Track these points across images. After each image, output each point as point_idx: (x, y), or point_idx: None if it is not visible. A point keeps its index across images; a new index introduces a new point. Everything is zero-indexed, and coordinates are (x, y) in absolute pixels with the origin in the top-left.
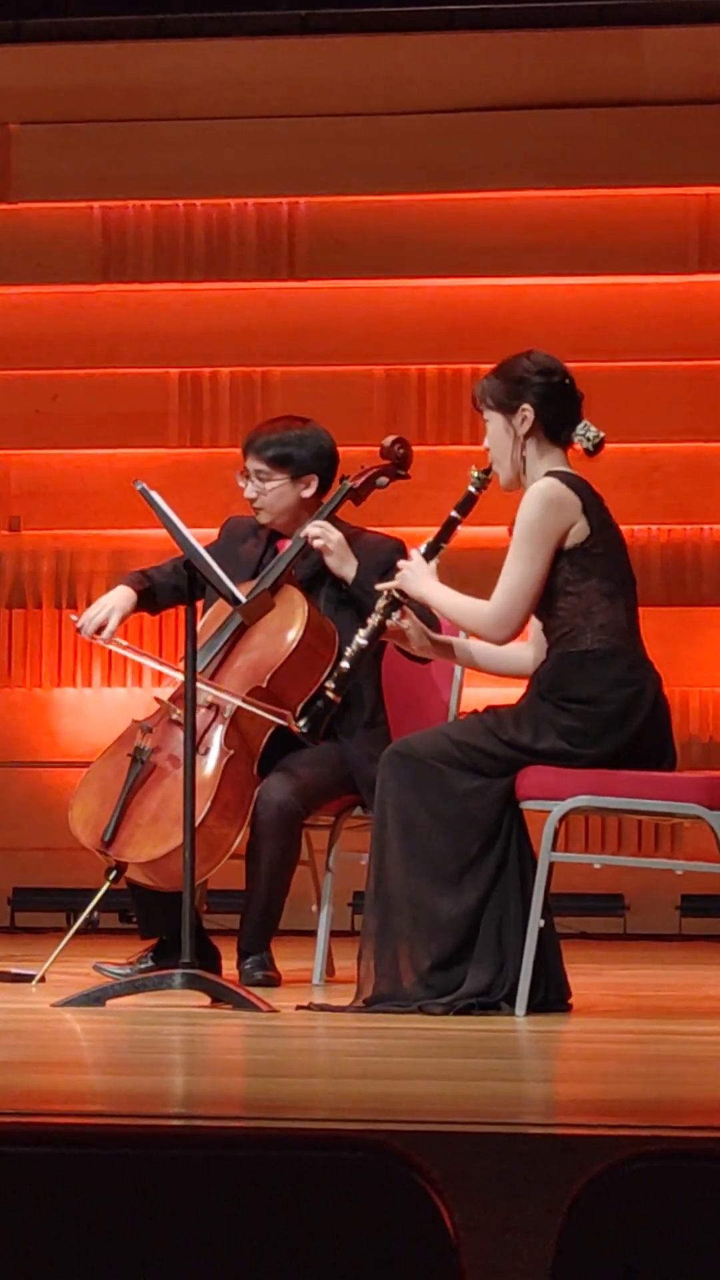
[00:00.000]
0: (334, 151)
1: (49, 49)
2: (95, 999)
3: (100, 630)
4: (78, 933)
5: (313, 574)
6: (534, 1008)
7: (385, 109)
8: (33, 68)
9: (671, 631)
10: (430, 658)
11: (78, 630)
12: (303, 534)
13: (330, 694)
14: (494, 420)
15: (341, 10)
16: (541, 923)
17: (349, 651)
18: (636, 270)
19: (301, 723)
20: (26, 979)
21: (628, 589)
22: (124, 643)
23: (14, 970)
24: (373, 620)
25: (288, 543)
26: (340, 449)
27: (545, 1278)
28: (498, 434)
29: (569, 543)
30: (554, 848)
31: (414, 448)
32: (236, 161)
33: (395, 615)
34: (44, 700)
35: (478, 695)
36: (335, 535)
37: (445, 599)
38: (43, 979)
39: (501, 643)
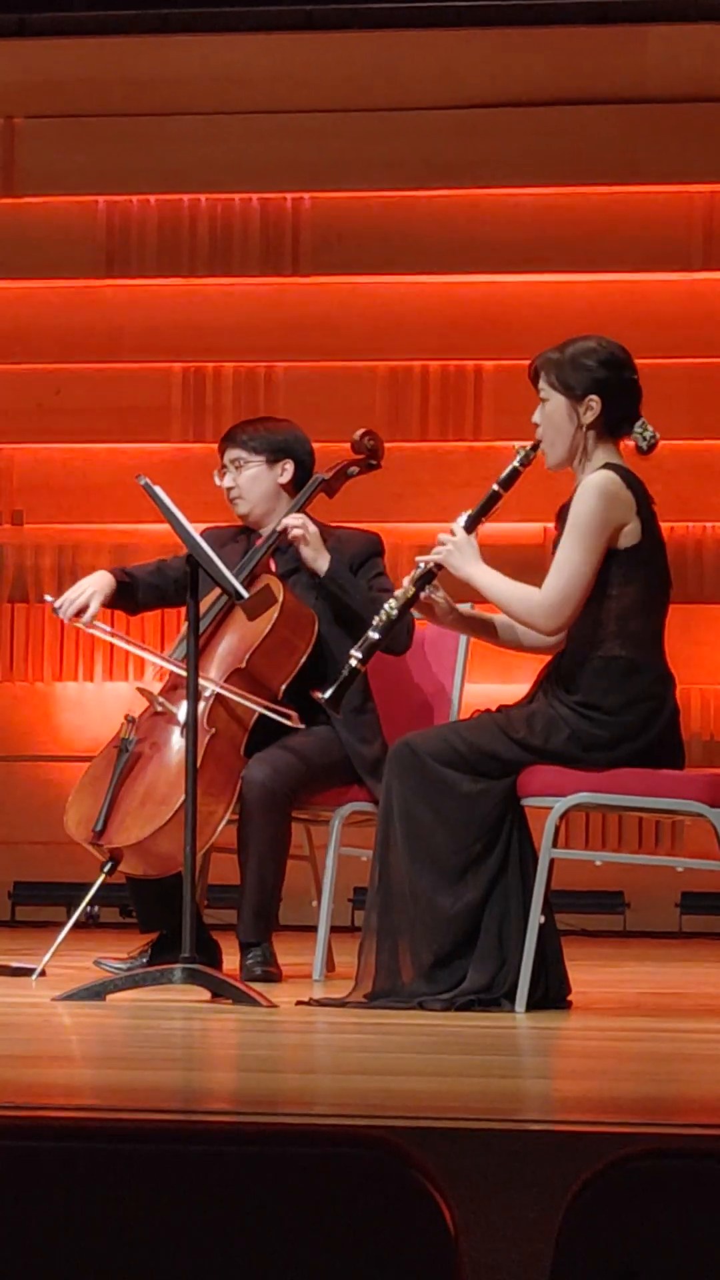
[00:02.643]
0: (338, 147)
1: (53, 43)
2: (95, 993)
3: (80, 613)
4: (78, 926)
5: (295, 566)
6: (534, 1004)
7: (389, 105)
8: (37, 62)
9: (673, 629)
10: (458, 630)
11: (54, 610)
12: (280, 526)
13: (356, 663)
14: (555, 401)
15: (346, 6)
16: (542, 919)
17: (377, 621)
18: (639, 267)
19: (327, 692)
20: (27, 973)
21: (666, 596)
22: (105, 627)
23: (14, 964)
24: (404, 591)
25: None
26: (341, 444)
27: (544, 1274)
28: (558, 416)
29: (621, 544)
30: (555, 844)
31: (417, 444)
32: (241, 156)
33: (428, 588)
34: (45, 694)
35: (478, 691)
36: (313, 528)
37: (495, 583)
38: (43, 973)
39: (553, 633)
